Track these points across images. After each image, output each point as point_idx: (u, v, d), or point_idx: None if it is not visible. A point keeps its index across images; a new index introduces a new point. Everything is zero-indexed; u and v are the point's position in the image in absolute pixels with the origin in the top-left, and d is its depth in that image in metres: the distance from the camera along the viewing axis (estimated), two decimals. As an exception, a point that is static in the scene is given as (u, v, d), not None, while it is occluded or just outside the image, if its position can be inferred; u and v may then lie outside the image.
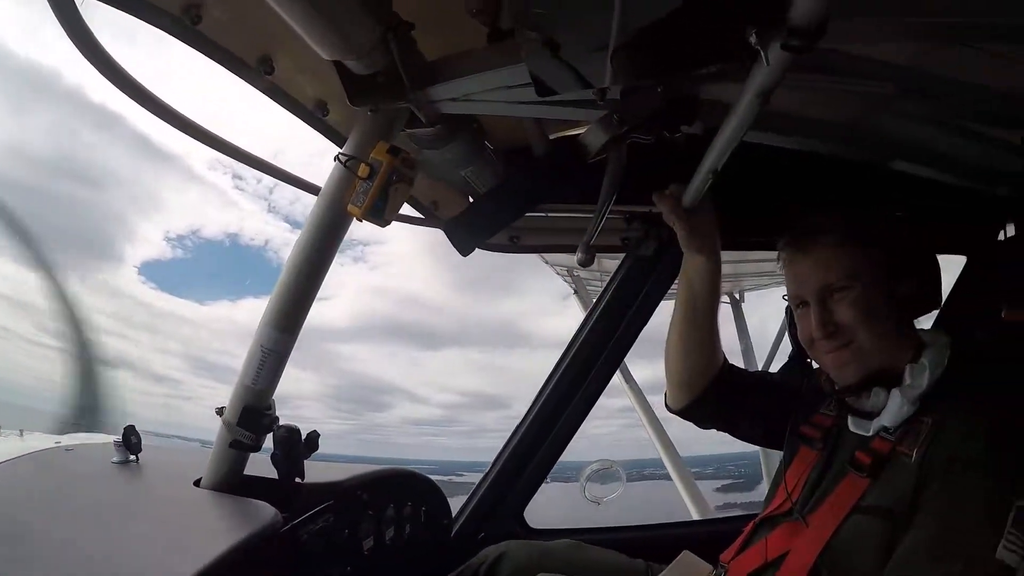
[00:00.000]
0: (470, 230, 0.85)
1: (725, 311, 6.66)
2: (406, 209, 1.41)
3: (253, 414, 0.98)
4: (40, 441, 1.21)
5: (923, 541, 0.94)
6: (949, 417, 1.01)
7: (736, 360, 1.46)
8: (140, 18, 0.78)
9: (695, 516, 3.30)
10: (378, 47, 0.79)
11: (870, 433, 1.12)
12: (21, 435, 1.30)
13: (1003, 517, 0.90)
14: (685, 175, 1.05)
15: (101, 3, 0.75)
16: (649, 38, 0.73)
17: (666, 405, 1.47)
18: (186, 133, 0.90)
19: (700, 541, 1.47)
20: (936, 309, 1.13)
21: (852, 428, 1.16)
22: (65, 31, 0.75)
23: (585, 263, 0.85)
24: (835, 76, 0.85)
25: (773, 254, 1.23)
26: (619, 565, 1.42)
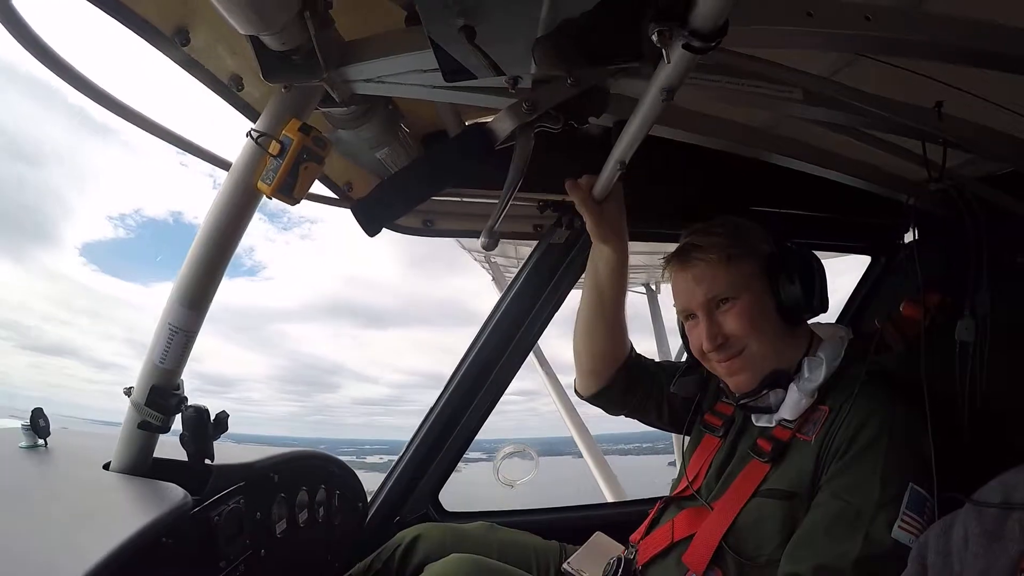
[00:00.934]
0: (378, 211, 0.85)
1: (640, 301, 6.81)
2: (321, 189, 1.40)
3: (161, 394, 0.96)
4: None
5: (821, 520, 1.01)
6: (846, 404, 1.08)
7: (650, 349, 1.52)
8: None
9: (609, 498, 3.40)
10: (295, 23, 0.78)
11: (772, 424, 1.18)
12: None
13: (898, 498, 0.96)
14: (597, 165, 1.07)
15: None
16: (563, 31, 0.75)
17: (575, 391, 1.51)
18: (96, 102, 0.87)
19: (612, 522, 1.52)
20: (824, 311, 1.20)
21: (754, 422, 1.23)
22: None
23: (488, 247, 0.87)
24: (744, 79, 0.89)
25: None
26: (534, 546, 1.46)
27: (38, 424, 1.08)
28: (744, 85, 0.85)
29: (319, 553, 1.30)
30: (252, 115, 1.05)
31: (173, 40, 0.85)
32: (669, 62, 0.65)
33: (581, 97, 0.87)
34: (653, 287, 6.66)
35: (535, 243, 1.75)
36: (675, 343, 6.50)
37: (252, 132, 0.91)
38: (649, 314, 6.77)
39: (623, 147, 0.94)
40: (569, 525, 1.81)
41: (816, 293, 1.16)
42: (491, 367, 1.76)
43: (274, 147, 0.87)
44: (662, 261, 1.28)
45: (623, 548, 1.37)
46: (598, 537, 1.44)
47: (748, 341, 1.15)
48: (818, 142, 1.19)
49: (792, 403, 1.14)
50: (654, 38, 0.60)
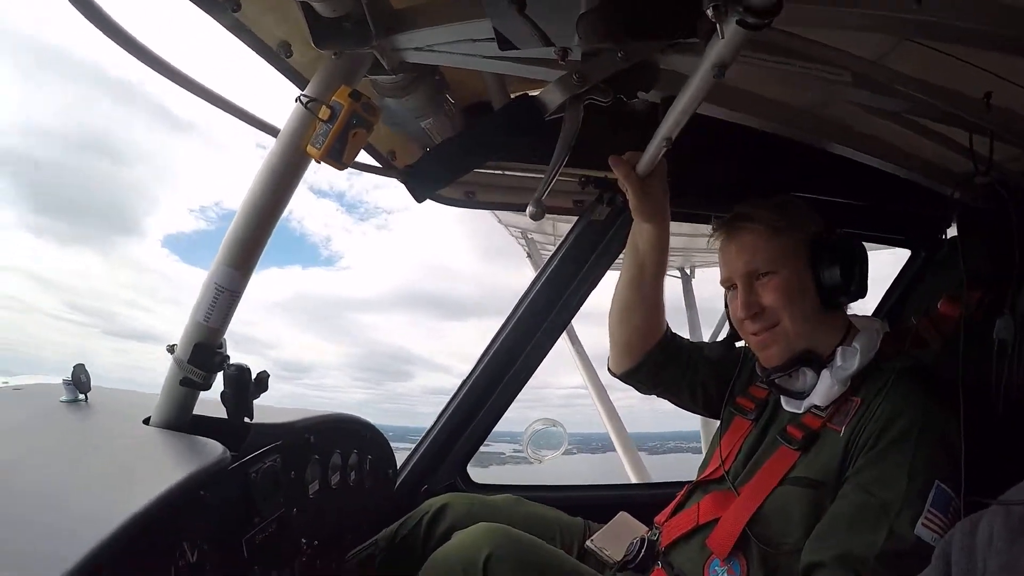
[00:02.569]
0: (426, 178, 0.86)
1: (674, 284, 6.79)
2: (364, 158, 1.41)
3: (204, 351, 0.98)
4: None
5: (845, 511, 1.01)
6: (878, 397, 1.08)
7: (682, 333, 1.53)
8: None
9: (634, 480, 3.42)
10: None
11: (801, 411, 1.19)
12: None
13: (924, 495, 0.96)
14: (642, 143, 1.08)
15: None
16: (616, 4, 0.76)
17: (608, 369, 1.52)
18: (147, 64, 0.88)
19: (637, 503, 1.54)
20: (862, 297, 1.20)
21: (784, 406, 1.23)
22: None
23: (536, 216, 0.88)
24: (793, 59, 0.88)
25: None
26: (558, 521, 1.47)
27: (79, 379, 1.10)
28: (793, 65, 0.85)
29: (349, 516, 1.33)
30: (300, 82, 1.05)
31: (224, 4, 0.85)
32: (723, 37, 0.65)
33: (631, 71, 0.87)
34: (688, 271, 6.60)
35: (574, 220, 1.75)
36: (707, 330, 6.39)
37: (302, 97, 0.92)
38: (683, 299, 6.73)
39: (670, 123, 0.94)
40: (595, 503, 1.83)
41: (856, 278, 1.15)
42: (526, 342, 1.77)
43: (324, 112, 0.88)
44: (706, 239, 1.29)
45: (646, 528, 1.37)
46: (622, 516, 1.45)
47: (782, 316, 1.16)
48: (863, 127, 1.18)
49: (824, 389, 1.14)
50: (709, 13, 0.60)
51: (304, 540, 1.15)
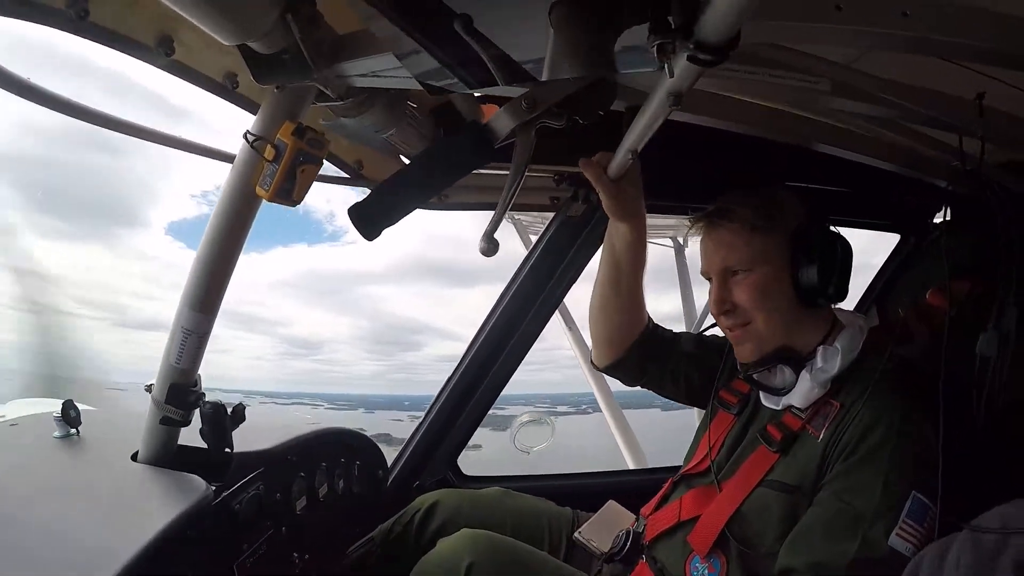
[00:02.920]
0: (375, 216, 0.83)
1: (667, 255, 6.53)
2: (332, 170, 1.38)
3: (179, 391, 1.00)
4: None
5: (820, 518, 1.01)
6: (857, 402, 1.05)
7: (676, 305, 1.51)
8: (27, 20, 0.74)
9: (631, 466, 3.46)
10: (278, 27, 0.74)
11: (779, 408, 1.18)
12: None
13: (899, 505, 0.94)
14: (616, 140, 1.01)
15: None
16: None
17: (591, 362, 1.52)
18: (76, 118, 0.87)
19: (626, 490, 1.55)
20: (842, 300, 1.16)
21: (764, 402, 1.22)
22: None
23: (488, 252, 0.84)
24: (765, 68, 0.82)
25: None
26: (547, 513, 1.49)
27: (69, 415, 1.14)
28: (765, 75, 0.78)
29: (339, 522, 1.36)
30: (252, 108, 1.03)
31: (157, 51, 0.82)
32: (672, 76, 0.59)
33: (586, 91, 0.81)
34: (681, 241, 6.39)
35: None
36: (700, 299, 6.20)
37: (247, 135, 0.89)
38: (675, 269, 6.54)
39: (634, 137, 0.89)
40: (584, 491, 1.85)
41: (834, 280, 1.12)
42: (509, 337, 1.78)
43: (269, 152, 0.86)
44: (689, 220, 1.25)
45: (634, 519, 1.39)
46: (611, 506, 1.46)
47: (754, 315, 1.15)
48: (849, 124, 1.10)
49: (803, 391, 1.13)
50: (653, 51, 0.54)
51: (296, 553, 1.19)
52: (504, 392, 1.87)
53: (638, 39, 0.61)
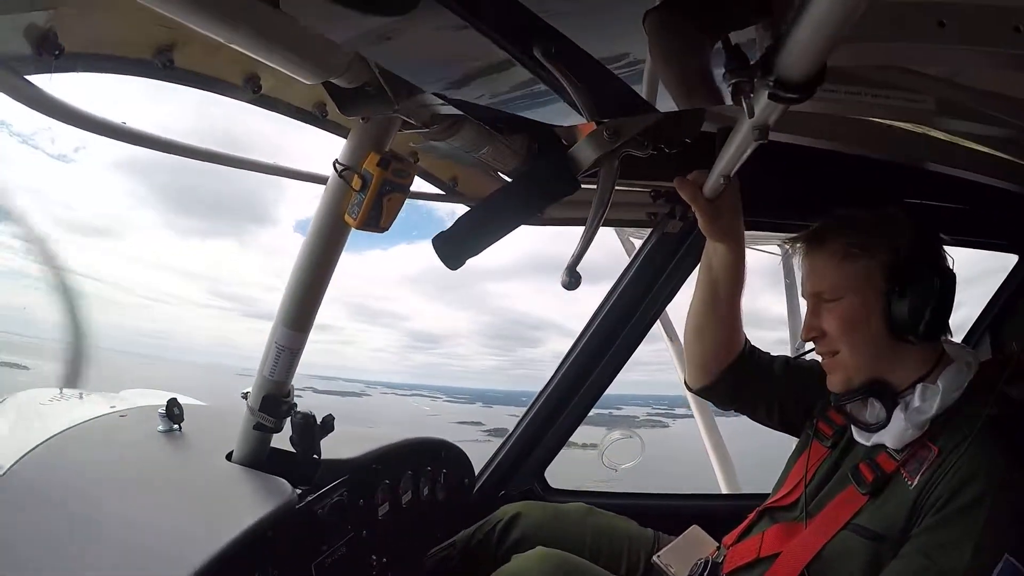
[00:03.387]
0: (458, 246, 0.85)
1: (773, 262, 6.17)
2: (426, 187, 1.41)
3: (272, 401, 1.08)
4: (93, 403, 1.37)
5: (903, 573, 0.95)
6: (957, 449, 0.98)
7: (781, 316, 1.46)
8: (116, 73, 0.81)
9: (724, 490, 3.33)
10: (358, 62, 0.77)
11: (869, 444, 1.11)
12: (80, 397, 1.49)
13: (988, 568, 0.89)
14: (709, 160, 0.99)
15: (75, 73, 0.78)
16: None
17: (685, 384, 1.48)
18: (177, 154, 0.95)
19: (711, 515, 1.52)
20: (938, 338, 1.07)
21: (855, 437, 1.15)
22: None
23: (570, 286, 0.84)
24: (867, 87, 0.77)
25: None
26: (628, 533, 1.47)
27: (173, 412, 1.25)
28: (865, 95, 0.74)
29: (421, 528, 1.41)
30: (344, 132, 1.07)
31: (245, 88, 0.88)
32: (751, 116, 0.56)
33: (670, 120, 0.80)
34: (789, 248, 6.05)
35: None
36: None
37: (336, 164, 0.94)
38: (783, 277, 6.15)
39: (724, 163, 0.86)
40: (668, 512, 1.81)
41: (928, 315, 1.02)
42: (605, 351, 1.79)
43: (356, 182, 0.90)
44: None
45: (715, 547, 1.36)
46: (693, 531, 1.43)
47: (840, 345, 1.09)
48: (960, 141, 1.02)
49: (897, 431, 1.05)
50: (727, 90, 0.51)
51: (374, 556, 1.26)
52: (621, 392, 1.86)
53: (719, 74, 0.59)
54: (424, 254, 0.96)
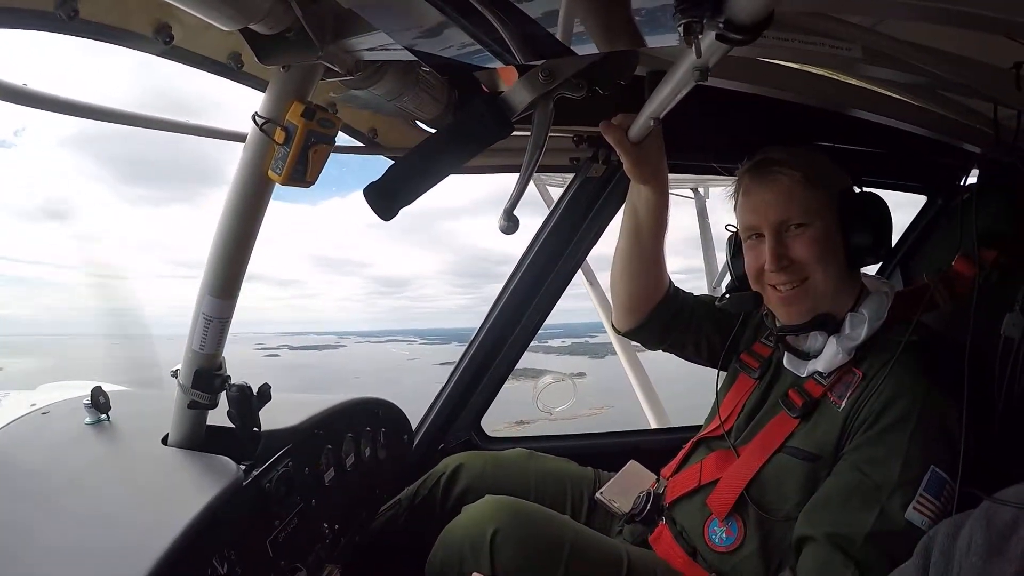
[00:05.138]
0: (391, 194, 0.81)
1: (687, 206, 6.18)
2: (345, 140, 1.35)
3: (204, 376, 1.01)
4: (13, 404, 1.25)
5: (839, 489, 1.02)
6: (880, 373, 1.05)
7: (697, 255, 1.51)
8: (14, 27, 0.72)
9: (653, 425, 3.50)
10: (279, 6, 0.71)
11: (804, 374, 1.17)
12: None
13: (917, 479, 0.96)
14: (637, 101, 0.98)
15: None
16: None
17: (612, 326, 1.52)
18: (81, 116, 0.85)
19: (647, 449, 1.59)
20: (882, 262, 1.15)
21: (787, 365, 1.22)
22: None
23: (508, 231, 0.83)
24: (796, 34, 0.77)
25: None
26: (569, 472, 1.53)
27: (98, 401, 1.16)
28: (797, 42, 0.74)
29: (367, 489, 1.40)
30: (262, 86, 0.99)
31: (156, 39, 0.80)
32: (699, 56, 0.56)
33: (605, 61, 0.78)
34: (702, 191, 6.04)
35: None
36: (723, 255, 6.12)
37: (256, 117, 0.87)
38: (696, 221, 6.12)
39: (656, 104, 0.86)
40: (606, 451, 1.88)
41: (884, 241, 1.11)
42: (531, 298, 1.80)
43: (279, 134, 0.84)
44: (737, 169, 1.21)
45: (654, 479, 1.42)
46: (632, 466, 1.49)
47: (813, 271, 1.12)
48: (881, 88, 1.06)
49: (829, 356, 1.12)
50: (680, 31, 0.51)
51: (326, 524, 1.24)
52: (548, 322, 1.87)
53: (661, 12, 0.58)
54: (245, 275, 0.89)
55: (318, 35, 0.76)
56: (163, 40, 0.81)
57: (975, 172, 1.56)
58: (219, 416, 1.08)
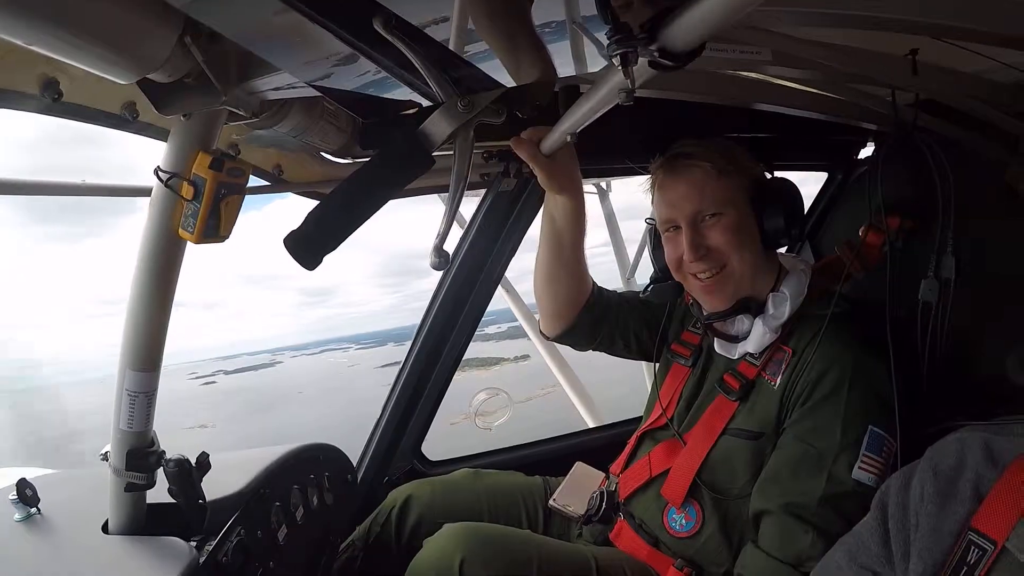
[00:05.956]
0: (314, 243, 0.76)
1: (591, 201, 6.38)
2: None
3: (138, 455, 0.93)
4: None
5: (786, 461, 1.06)
6: (808, 348, 1.10)
7: (606, 252, 1.53)
8: None
9: (591, 424, 3.55)
10: (178, 52, 0.65)
11: (735, 357, 1.21)
12: None
13: (858, 441, 1.01)
14: (547, 115, 0.96)
15: None
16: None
17: (541, 332, 1.52)
18: None
19: (591, 449, 1.62)
20: (797, 242, 1.19)
21: (718, 350, 1.25)
22: None
23: (439, 267, 0.81)
24: (712, 42, 0.79)
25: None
26: (518, 485, 1.51)
27: (25, 494, 1.05)
28: (708, 48, 0.75)
29: (322, 537, 1.33)
30: (162, 135, 0.93)
31: (43, 97, 0.73)
32: (634, 84, 0.56)
33: (526, 86, 0.77)
34: (604, 186, 6.12)
35: None
36: (631, 247, 5.87)
37: (159, 172, 0.80)
38: (603, 216, 6.17)
39: (572, 121, 0.85)
40: (551, 456, 1.88)
41: (796, 222, 1.16)
42: (456, 318, 1.77)
43: (187, 190, 0.78)
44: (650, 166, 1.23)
45: (603, 477, 1.42)
46: (579, 468, 1.49)
47: (730, 257, 1.15)
48: (787, 83, 1.10)
49: (757, 337, 1.16)
50: (615, 62, 0.51)
51: None
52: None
53: (588, 42, 0.58)
54: (300, 208, 0.89)
55: (221, 80, 0.71)
56: (51, 97, 0.74)
57: (870, 146, 1.69)
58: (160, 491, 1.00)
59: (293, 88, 0.80)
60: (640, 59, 0.53)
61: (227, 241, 0.84)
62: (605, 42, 0.55)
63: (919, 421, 1.02)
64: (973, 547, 0.64)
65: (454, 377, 1.85)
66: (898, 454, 1.02)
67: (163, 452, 0.96)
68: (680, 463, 1.20)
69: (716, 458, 1.16)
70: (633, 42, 0.50)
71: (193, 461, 0.98)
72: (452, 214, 0.82)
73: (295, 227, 0.78)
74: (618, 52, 0.50)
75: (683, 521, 1.18)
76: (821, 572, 0.82)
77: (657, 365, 1.46)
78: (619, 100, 0.66)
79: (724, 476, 1.15)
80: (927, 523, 0.69)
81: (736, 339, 1.20)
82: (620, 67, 0.52)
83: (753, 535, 1.09)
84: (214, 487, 1.04)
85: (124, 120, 0.87)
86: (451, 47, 0.69)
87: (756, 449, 1.12)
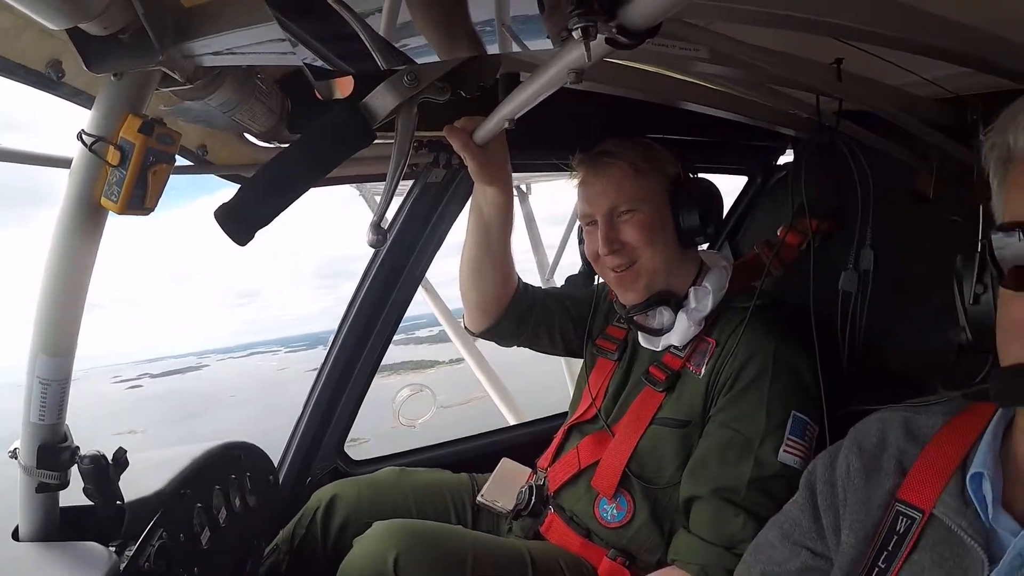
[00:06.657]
0: (247, 217, 0.72)
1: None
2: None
3: (50, 451, 0.85)
4: None
5: (714, 447, 1.10)
6: (731, 339, 1.15)
7: (526, 252, 1.54)
8: None
9: (512, 422, 3.59)
10: (117, 3, 0.61)
11: (659, 349, 1.25)
12: None
13: (782, 426, 1.05)
14: (477, 104, 0.96)
15: None
16: None
17: (465, 328, 1.51)
18: None
19: (516, 445, 1.61)
20: (718, 239, 1.25)
21: (642, 343, 1.28)
22: None
23: (377, 244, 0.78)
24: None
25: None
26: (446, 483, 1.49)
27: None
28: (650, 44, 0.78)
29: (246, 541, 1.27)
30: (87, 100, 0.86)
31: None
32: (590, 59, 0.57)
33: (471, 64, 0.77)
34: (524, 188, 6.30)
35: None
36: (550, 252, 6.02)
37: (83, 135, 0.75)
38: (522, 218, 6.36)
39: (513, 106, 0.85)
40: (477, 453, 1.86)
41: (712, 220, 1.21)
42: (378, 314, 1.73)
43: (113, 155, 0.73)
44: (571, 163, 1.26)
45: (530, 472, 1.43)
46: (505, 464, 1.48)
47: (642, 253, 1.19)
48: (716, 84, 1.16)
49: (681, 330, 1.20)
50: (575, 35, 0.51)
51: None
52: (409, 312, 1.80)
53: (535, 18, 0.58)
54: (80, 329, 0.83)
55: (159, 36, 0.67)
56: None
57: (789, 152, 1.80)
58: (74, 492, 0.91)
59: (233, 54, 0.76)
60: (598, 35, 0.53)
61: (149, 233, 0.79)
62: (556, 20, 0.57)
63: (840, 405, 1.08)
64: (902, 517, 0.67)
65: (389, 381, 1.81)
66: (822, 437, 1.08)
67: (77, 448, 0.88)
68: (609, 454, 1.22)
69: (645, 448, 1.19)
70: (594, 16, 0.51)
71: (110, 458, 0.91)
72: (392, 190, 0.81)
73: (227, 200, 0.75)
74: (579, 25, 0.51)
75: (614, 511, 1.20)
76: (755, 551, 0.84)
77: (583, 360, 1.48)
78: (568, 81, 0.67)
79: (653, 465, 1.18)
80: (855, 497, 0.72)
81: (659, 332, 1.24)
82: (581, 40, 0.52)
83: (684, 521, 1.11)
84: (130, 488, 0.96)
85: (48, 80, 0.80)
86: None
87: (683, 437, 1.15)
